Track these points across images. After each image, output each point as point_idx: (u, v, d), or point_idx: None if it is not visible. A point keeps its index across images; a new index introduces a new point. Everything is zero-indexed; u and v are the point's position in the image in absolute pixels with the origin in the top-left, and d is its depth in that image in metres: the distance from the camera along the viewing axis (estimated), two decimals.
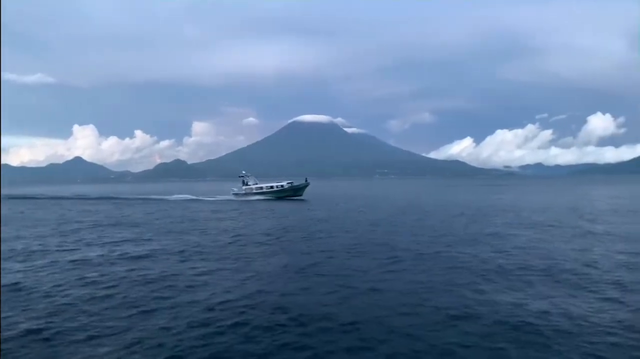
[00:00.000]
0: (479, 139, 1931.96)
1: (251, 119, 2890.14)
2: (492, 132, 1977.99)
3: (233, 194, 77.05)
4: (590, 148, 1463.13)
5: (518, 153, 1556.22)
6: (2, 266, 19.39)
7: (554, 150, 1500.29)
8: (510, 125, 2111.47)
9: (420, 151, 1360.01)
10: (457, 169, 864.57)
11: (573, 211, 46.27)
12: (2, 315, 12.88)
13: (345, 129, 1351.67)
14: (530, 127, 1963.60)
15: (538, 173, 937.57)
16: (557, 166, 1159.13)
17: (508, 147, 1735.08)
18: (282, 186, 74.24)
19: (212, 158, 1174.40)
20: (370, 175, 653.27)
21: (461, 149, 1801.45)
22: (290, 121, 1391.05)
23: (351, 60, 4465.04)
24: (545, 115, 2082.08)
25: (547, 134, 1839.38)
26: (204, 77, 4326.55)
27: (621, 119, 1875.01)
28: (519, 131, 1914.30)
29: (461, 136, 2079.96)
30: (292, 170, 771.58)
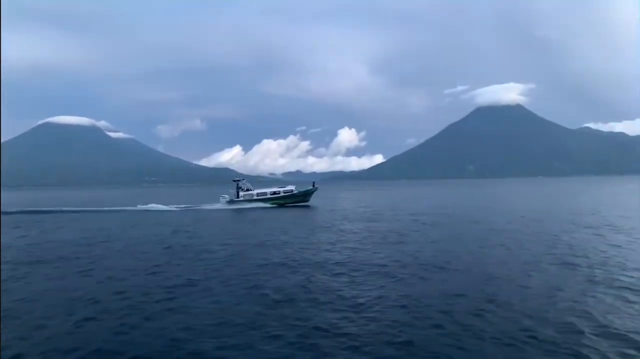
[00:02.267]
0: (247, 147, 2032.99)
1: None
2: (259, 141, 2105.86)
3: (226, 201, 65.82)
4: (339, 158, 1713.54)
5: (281, 161, 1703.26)
6: None
7: (311, 159, 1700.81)
8: (275, 135, 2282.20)
9: (191, 159, 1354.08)
10: (227, 177, 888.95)
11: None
12: None
13: (110, 134, 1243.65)
14: (292, 138, 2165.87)
15: (297, 179, 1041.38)
16: (313, 173, 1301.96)
17: (273, 156, 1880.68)
18: (291, 190, 66.56)
19: None
20: (138, 183, 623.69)
21: (231, 156, 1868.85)
22: (41, 122, 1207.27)
23: (120, 59, 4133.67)
24: (304, 127, 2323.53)
25: (305, 144, 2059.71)
26: None
27: (363, 134, 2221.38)
28: (282, 141, 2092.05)
29: (231, 144, 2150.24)
30: (42, 179, 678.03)
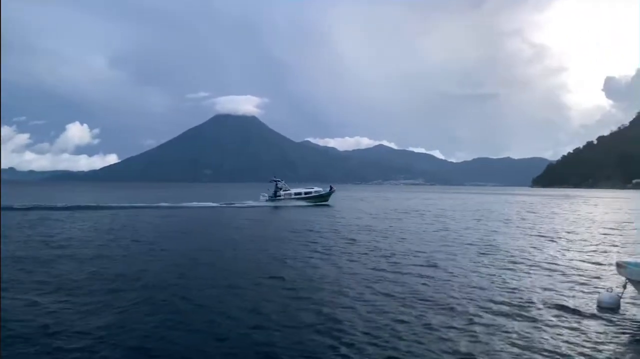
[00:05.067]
0: None
1: None
2: None
3: (265, 200, 71.75)
4: (66, 155, 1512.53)
5: None
6: None
7: (29, 155, 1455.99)
8: None
9: None
10: None
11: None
12: None
13: None
14: (6, 129, 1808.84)
15: (11, 178, 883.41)
16: (31, 172, 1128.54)
17: None
18: (319, 191, 74.81)
19: None
20: None
21: None
22: None
23: None
24: (24, 118, 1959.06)
25: (24, 138, 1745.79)
26: None
27: (97, 131, 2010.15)
28: None
29: None
30: None
